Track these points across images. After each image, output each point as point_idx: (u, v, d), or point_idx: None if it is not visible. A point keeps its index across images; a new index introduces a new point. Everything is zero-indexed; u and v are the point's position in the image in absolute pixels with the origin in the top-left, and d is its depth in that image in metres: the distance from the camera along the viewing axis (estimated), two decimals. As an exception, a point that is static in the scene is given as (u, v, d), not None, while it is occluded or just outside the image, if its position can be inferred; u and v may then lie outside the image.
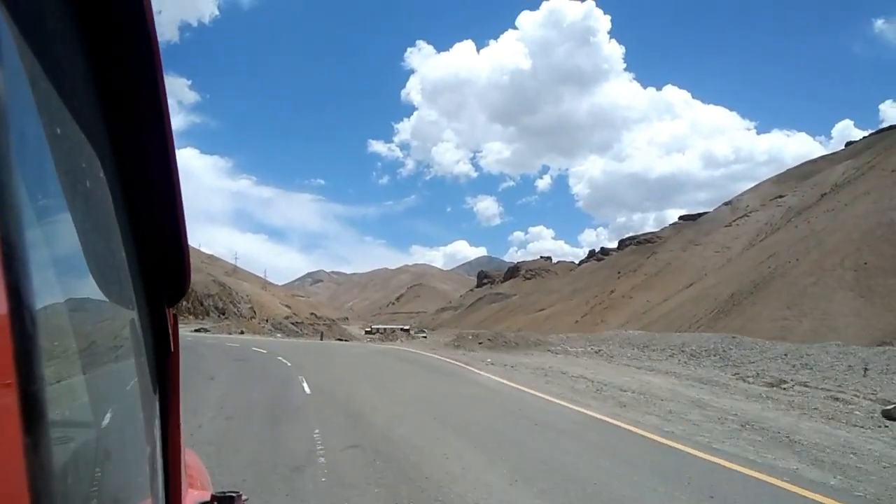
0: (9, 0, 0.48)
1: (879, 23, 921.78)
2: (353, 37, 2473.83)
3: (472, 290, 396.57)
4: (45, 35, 0.56)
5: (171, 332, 1.07)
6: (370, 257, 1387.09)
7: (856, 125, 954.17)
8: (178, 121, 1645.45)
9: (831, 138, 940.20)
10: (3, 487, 0.43)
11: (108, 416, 0.85)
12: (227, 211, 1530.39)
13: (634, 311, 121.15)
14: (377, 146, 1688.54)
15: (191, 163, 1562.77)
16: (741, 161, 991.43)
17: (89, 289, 0.75)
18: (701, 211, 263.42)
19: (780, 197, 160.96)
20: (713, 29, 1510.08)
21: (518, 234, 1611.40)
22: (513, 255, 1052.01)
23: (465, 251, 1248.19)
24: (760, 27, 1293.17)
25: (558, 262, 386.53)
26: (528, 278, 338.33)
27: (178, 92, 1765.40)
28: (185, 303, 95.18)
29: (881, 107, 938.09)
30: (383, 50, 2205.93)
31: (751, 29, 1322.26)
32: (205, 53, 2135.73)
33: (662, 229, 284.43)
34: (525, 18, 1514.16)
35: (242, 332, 52.47)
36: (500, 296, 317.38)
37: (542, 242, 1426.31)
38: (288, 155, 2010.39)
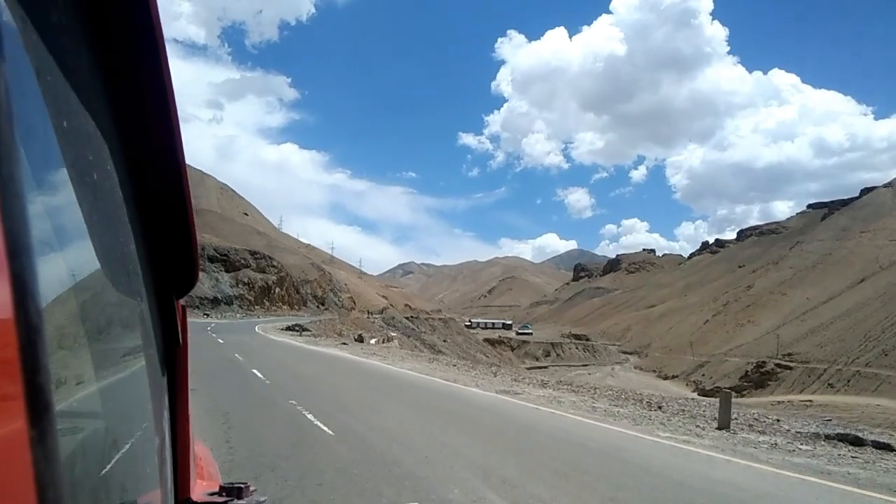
0: None
1: None
2: (445, 30, 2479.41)
3: (567, 283, 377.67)
4: (51, 27, 0.56)
5: (179, 324, 1.07)
6: (459, 249, 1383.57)
7: None
8: (278, 117, 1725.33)
9: None
10: (9, 478, 0.43)
11: (117, 407, 0.86)
12: (323, 203, 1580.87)
13: (792, 309, 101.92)
14: (467, 139, 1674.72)
15: (290, 157, 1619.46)
16: (857, 149, 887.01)
17: (97, 281, 0.75)
18: (824, 200, 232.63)
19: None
20: (824, 8, 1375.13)
21: (610, 227, 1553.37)
22: (604, 249, 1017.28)
23: (555, 244, 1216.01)
24: (876, 5, 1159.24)
25: (664, 254, 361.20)
26: (632, 272, 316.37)
27: (279, 89, 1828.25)
28: (277, 289, 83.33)
29: None
30: (474, 42, 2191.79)
31: (865, 7, 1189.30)
32: (303, 51, 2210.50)
33: (789, 219, 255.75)
34: (620, 2, 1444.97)
35: (360, 339, 39.49)
36: (601, 290, 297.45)
37: (636, 235, 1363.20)
38: (381, 149, 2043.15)
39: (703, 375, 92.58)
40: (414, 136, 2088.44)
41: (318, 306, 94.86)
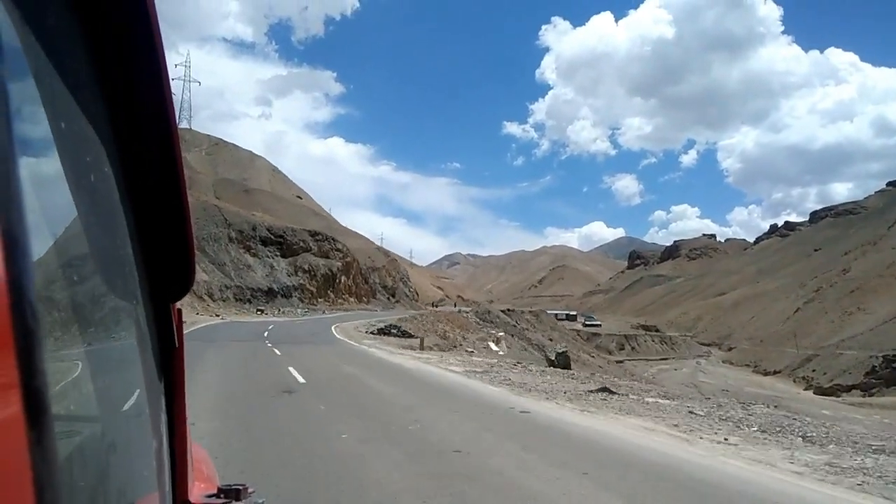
0: None
1: None
2: (489, 19, 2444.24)
3: (622, 272, 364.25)
4: (48, 30, 0.56)
5: (175, 327, 1.07)
6: (504, 239, 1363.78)
7: None
8: (324, 112, 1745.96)
9: None
10: (7, 481, 0.43)
11: (114, 409, 0.85)
12: (370, 196, 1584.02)
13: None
14: (512, 128, 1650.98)
15: (337, 151, 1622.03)
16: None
17: (94, 283, 0.75)
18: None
19: None
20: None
21: (660, 214, 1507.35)
22: (653, 236, 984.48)
23: (602, 232, 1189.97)
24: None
25: (727, 239, 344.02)
26: (693, 258, 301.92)
27: (325, 85, 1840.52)
28: (343, 278, 71.01)
29: None
30: (518, 30, 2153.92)
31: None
32: (348, 45, 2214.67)
33: (867, 198, 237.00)
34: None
35: (468, 352, 27.04)
36: (662, 278, 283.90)
37: (687, 222, 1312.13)
38: (425, 140, 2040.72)
39: (815, 371, 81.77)
40: (458, 126, 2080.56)
41: (388, 298, 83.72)
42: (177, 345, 1.08)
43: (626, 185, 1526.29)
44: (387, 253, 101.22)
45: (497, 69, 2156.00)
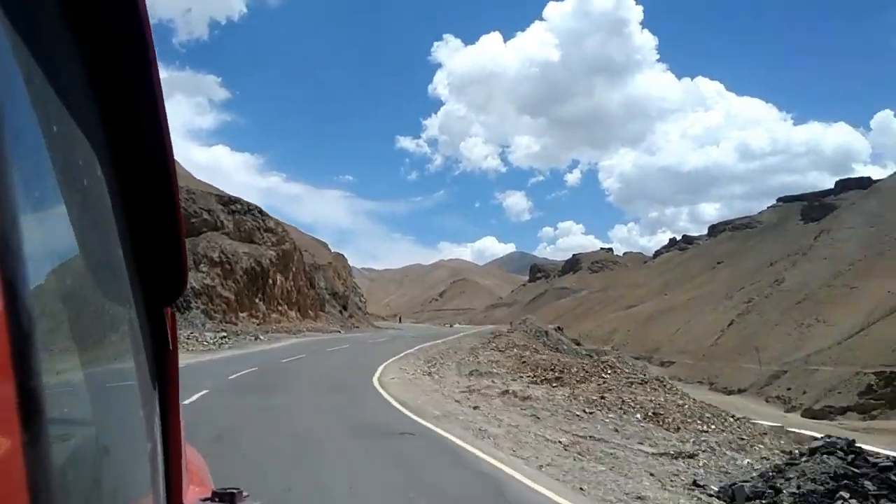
0: None
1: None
2: (381, 33, 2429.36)
3: (524, 285, 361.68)
4: (40, 33, 0.56)
5: (168, 330, 1.07)
6: (399, 254, 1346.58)
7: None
8: (209, 119, 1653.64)
9: (871, 129, 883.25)
10: (2, 484, 0.42)
11: (108, 413, 0.85)
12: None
13: (875, 305, 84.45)
14: (405, 142, 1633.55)
15: (221, 160, 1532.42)
16: (778, 153, 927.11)
17: (87, 287, 0.75)
18: (793, 194, 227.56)
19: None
20: (747, 18, 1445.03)
21: (547, 230, 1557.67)
22: (543, 251, 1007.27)
23: (494, 247, 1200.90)
24: (795, 16, 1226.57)
25: (625, 253, 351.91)
26: (595, 271, 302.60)
27: (209, 90, 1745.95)
28: (279, 277, 43.12)
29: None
30: (410, 45, 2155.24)
31: (785, 19, 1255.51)
32: (234, 51, 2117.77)
33: (760, 213, 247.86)
34: (553, 9, 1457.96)
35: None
36: (567, 290, 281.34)
37: (572, 238, 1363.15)
38: (317, 151, 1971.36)
39: (790, 390, 72.67)
40: (351, 139, 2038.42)
41: (340, 311, 57.61)
42: (170, 348, 1.07)
43: (516, 201, 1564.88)
44: (326, 247, 75.99)
45: (390, 83, 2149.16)
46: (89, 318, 0.79)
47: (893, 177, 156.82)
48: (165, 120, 0.78)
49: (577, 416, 12.91)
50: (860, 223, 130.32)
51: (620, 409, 14.24)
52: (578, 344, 49.18)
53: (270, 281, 41.75)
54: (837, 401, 64.18)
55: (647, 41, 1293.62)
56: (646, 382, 17.90)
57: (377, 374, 18.09)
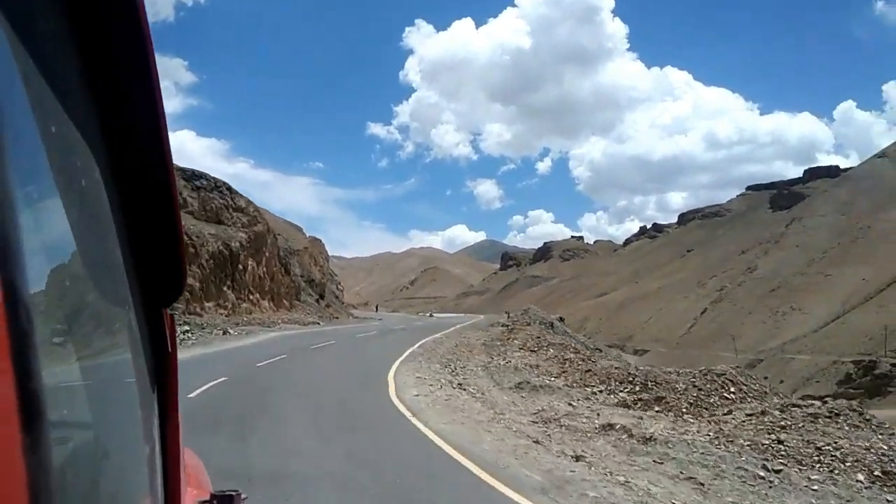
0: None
1: (880, 5, 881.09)
2: (352, 17, 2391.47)
3: (495, 273, 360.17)
4: (38, 34, 0.56)
5: (167, 332, 1.07)
6: (369, 242, 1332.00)
7: (858, 106, 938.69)
8: (174, 103, 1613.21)
9: (834, 120, 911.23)
10: (2, 486, 0.42)
11: (106, 415, 0.85)
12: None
13: (850, 293, 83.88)
14: (376, 129, 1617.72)
15: (187, 145, 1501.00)
16: (744, 142, 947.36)
17: (85, 288, 0.75)
18: (762, 182, 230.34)
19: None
20: (715, 8, 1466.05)
21: (518, 219, 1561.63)
22: (513, 239, 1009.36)
23: (465, 235, 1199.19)
24: (763, 8, 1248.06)
25: (596, 241, 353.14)
26: (566, 259, 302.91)
27: (174, 73, 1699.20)
28: (251, 263, 37.93)
29: (884, 87, 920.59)
30: (382, 30, 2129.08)
31: (752, 10, 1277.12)
32: (201, 34, 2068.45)
33: (729, 201, 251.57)
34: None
35: None
36: (538, 279, 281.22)
37: (542, 226, 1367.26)
38: (286, 138, 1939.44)
39: (767, 379, 71.44)
40: (321, 125, 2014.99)
41: (317, 300, 51.95)
42: (169, 350, 1.07)
43: (487, 189, 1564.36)
44: (300, 230, 67.72)
45: (361, 68, 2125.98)
46: (88, 319, 0.79)
47: (863, 165, 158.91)
48: (164, 121, 0.78)
49: (761, 477, 7.44)
50: (831, 211, 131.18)
51: (818, 461, 8.10)
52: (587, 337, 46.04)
53: (241, 266, 36.95)
54: (816, 390, 63.09)
55: (618, 29, 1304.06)
56: (838, 415, 9.96)
57: (392, 389, 12.85)
